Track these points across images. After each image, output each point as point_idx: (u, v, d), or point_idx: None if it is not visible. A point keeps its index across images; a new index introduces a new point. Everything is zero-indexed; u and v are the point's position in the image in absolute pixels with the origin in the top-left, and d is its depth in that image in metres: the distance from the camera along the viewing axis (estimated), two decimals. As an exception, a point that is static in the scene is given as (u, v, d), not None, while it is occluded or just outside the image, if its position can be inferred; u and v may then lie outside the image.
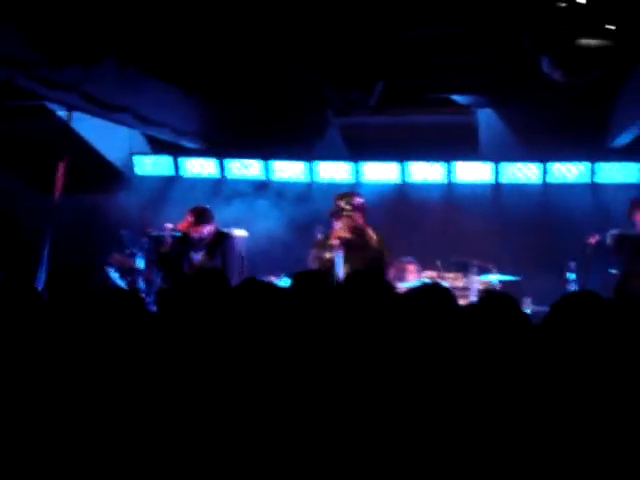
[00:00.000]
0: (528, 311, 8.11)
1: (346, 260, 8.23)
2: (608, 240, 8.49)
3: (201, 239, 8.54)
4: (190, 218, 8.53)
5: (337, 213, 8.47)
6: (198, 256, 8.53)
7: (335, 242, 8.27)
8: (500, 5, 7.00)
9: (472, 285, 8.94)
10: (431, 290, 4.07)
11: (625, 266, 8.35)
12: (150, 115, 9.92)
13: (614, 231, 8.59)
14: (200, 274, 5.29)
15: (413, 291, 3.99)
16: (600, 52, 5.97)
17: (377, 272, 4.48)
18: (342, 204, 8.47)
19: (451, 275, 9.35)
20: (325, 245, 8.43)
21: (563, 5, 5.85)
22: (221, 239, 8.68)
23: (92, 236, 10.87)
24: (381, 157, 11.75)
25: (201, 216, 8.57)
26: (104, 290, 4.31)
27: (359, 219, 8.46)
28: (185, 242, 8.56)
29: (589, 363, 3.06)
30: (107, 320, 3.93)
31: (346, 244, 8.27)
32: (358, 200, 8.57)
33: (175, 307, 4.51)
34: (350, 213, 8.42)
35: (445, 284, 8.55)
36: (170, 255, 8.49)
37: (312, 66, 9.13)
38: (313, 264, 8.38)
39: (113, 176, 11.94)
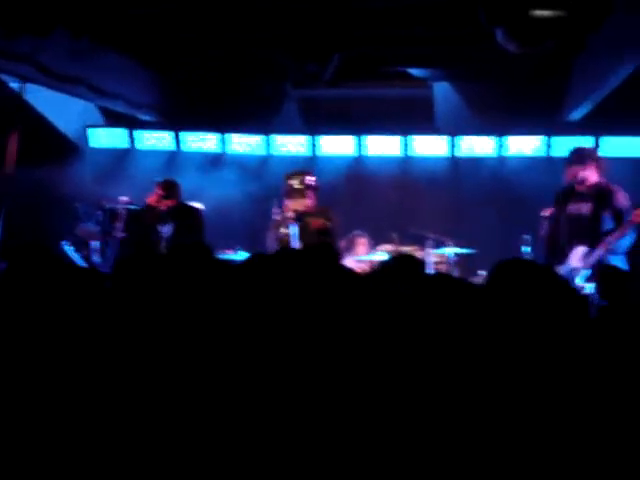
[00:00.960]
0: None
1: (301, 237, 8.23)
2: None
3: (167, 212, 8.51)
4: (159, 191, 8.50)
5: (290, 193, 8.43)
6: (167, 229, 8.48)
7: (290, 215, 8.26)
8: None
9: (428, 258, 8.97)
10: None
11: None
12: (105, 87, 9.79)
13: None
14: (186, 247, 5.21)
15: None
16: (554, 23, 6.00)
17: (326, 248, 4.51)
18: (294, 184, 8.43)
19: (407, 248, 9.38)
20: (281, 223, 8.41)
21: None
22: (189, 212, 8.66)
23: (45, 209, 10.77)
24: (338, 130, 11.71)
25: (171, 189, 8.57)
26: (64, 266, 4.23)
27: (312, 198, 8.44)
28: (152, 215, 8.52)
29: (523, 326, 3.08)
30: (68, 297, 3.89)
31: (300, 218, 8.26)
32: (309, 179, 8.54)
33: (139, 278, 4.46)
34: (303, 192, 8.41)
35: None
36: (135, 228, 8.46)
37: (269, 37, 9.08)
38: (272, 245, 8.36)
39: (67, 148, 11.80)
